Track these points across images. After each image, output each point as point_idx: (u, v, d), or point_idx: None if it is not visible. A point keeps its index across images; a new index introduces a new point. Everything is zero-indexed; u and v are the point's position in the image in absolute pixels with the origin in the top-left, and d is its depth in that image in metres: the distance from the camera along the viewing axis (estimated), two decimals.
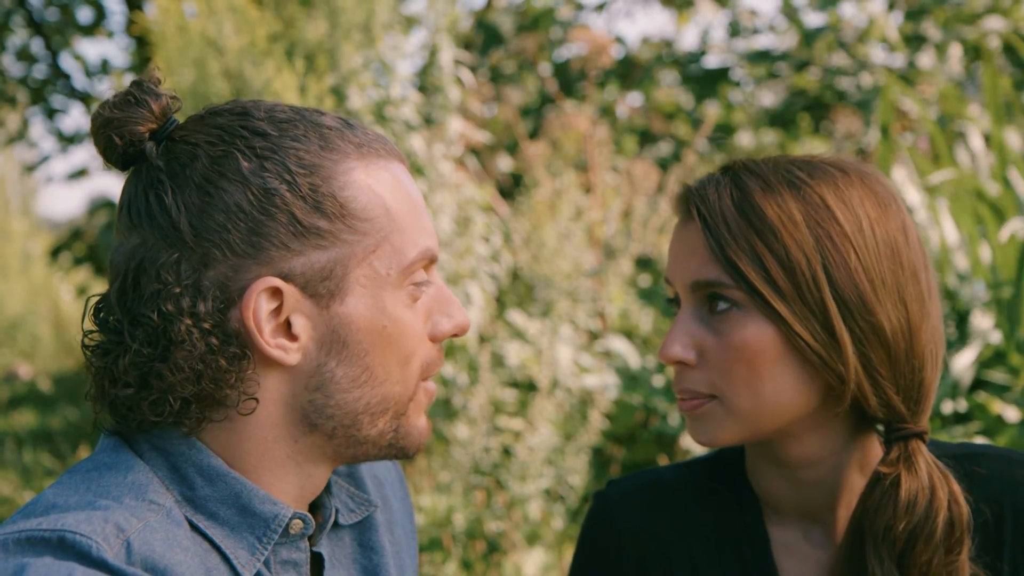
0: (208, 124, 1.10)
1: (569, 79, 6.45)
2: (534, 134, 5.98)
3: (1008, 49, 5.73)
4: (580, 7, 7.32)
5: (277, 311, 1.08)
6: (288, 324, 1.08)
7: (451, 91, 3.90)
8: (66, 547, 0.99)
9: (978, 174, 3.81)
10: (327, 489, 1.20)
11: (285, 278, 1.07)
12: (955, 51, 5.82)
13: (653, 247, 4.56)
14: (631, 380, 3.76)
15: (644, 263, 4.64)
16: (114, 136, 1.09)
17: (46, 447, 5.69)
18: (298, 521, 1.12)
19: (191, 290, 1.05)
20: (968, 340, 3.20)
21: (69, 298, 9.99)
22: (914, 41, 5.91)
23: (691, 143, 5.23)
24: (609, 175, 4.72)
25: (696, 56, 6.77)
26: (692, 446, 3.56)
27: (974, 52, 5.92)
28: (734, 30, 6.81)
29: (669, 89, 7.04)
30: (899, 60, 6.08)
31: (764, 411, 1.24)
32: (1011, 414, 2.98)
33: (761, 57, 6.41)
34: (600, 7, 7.37)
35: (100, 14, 8.05)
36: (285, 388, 1.10)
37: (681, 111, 6.79)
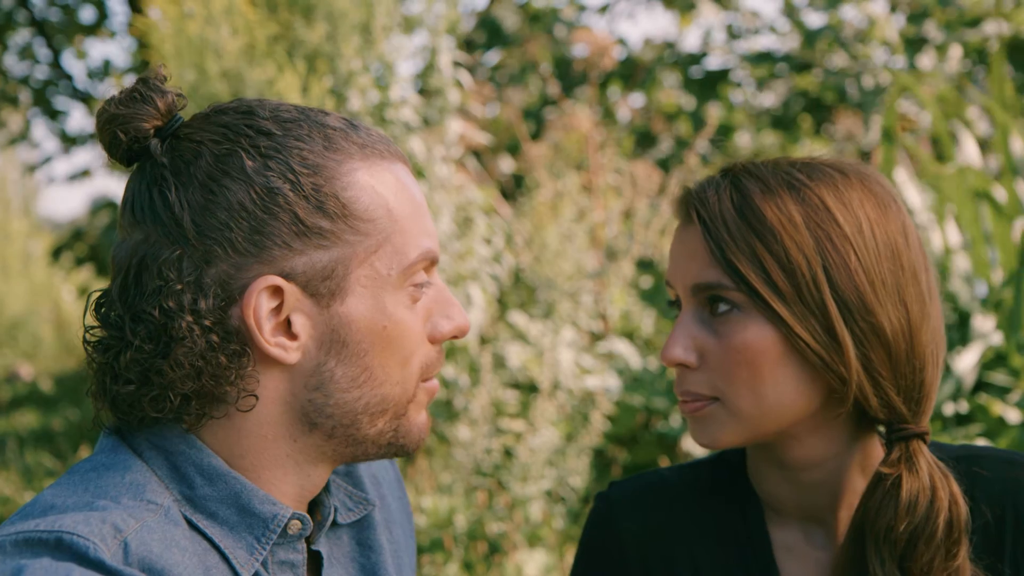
0: (213, 122, 1.10)
1: (571, 80, 6.46)
2: (536, 135, 5.98)
3: (1010, 52, 5.73)
4: (582, 8, 7.32)
5: (277, 310, 1.08)
6: (288, 323, 1.08)
7: (450, 93, 3.90)
8: (64, 548, 0.99)
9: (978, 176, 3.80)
10: (326, 488, 1.20)
11: (286, 277, 1.07)
12: (955, 53, 5.82)
13: (655, 249, 4.56)
14: (633, 381, 3.76)
15: (646, 265, 4.64)
16: (119, 132, 1.09)
17: (47, 447, 5.69)
18: (296, 522, 1.12)
19: (192, 287, 1.06)
20: (969, 342, 3.20)
21: (70, 298, 10.00)
22: (915, 43, 5.91)
23: (692, 144, 5.23)
24: (611, 176, 4.72)
25: (698, 57, 6.78)
26: (693, 448, 3.56)
27: (976, 55, 5.92)
28: (734, 33, 6.82)
29: (671, 90, 7.05)
30: (900, 62, 6.08)
31: (765, 413, 1.24)
32: (1012, 416, 2.98)
33: (762, 58, 6.42)
34: (603, 9, 7.38)
35: (102, 14, 8.06)
36: (284, 387, 1.10)
37: (682, 112, 6.80)
